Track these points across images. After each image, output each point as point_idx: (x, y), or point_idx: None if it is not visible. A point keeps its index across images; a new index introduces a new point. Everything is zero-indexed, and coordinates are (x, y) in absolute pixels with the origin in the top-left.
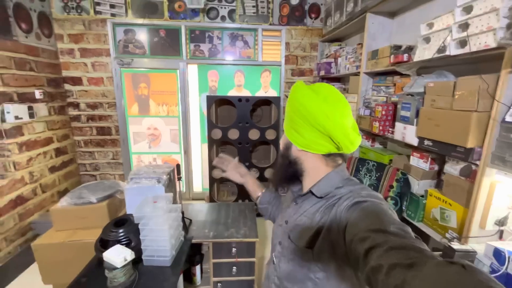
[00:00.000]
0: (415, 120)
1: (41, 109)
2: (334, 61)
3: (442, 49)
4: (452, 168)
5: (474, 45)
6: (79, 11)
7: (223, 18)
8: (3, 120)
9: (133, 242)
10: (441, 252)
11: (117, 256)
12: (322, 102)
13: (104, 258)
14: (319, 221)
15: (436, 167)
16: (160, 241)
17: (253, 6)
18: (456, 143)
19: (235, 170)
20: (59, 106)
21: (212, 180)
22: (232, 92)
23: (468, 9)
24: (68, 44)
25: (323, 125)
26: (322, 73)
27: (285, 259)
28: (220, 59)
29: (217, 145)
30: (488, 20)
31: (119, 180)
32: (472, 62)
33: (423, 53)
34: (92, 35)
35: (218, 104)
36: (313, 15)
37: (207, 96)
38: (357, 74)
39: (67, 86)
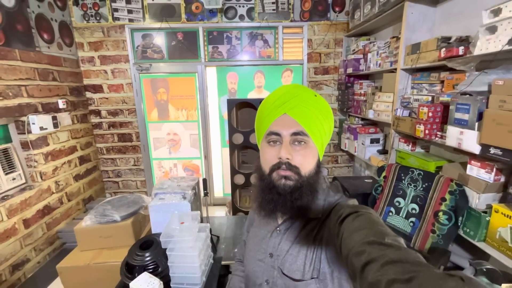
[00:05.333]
0: (476, 124)
1: (65, 118)
2: (363, 57)
3: None
4: None
5: None
6: (98, 18)
7: (241, 17)
8: (29, 132)
9: (161, 267)
10: None
11: (145, 287)
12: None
13: None
14: (317, 244)
15: (502, 179)
16: (189, 268)
17: (273, 3)
18: None
19: None
20: (81, 115)
21: (234, 186)
22: (252, 94)
23: None
24: (88, 52)
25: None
26: (350, 70)
27: None
28: (239, 60)
29: (238, 150)
30: None
31: (141, 186)
32: None
33: (487, 45)
34: (111, 41)
35: (238, 107)
36: (337, 9)
37: (228, 100)
38: (392, 71)
39: (89, 94)
